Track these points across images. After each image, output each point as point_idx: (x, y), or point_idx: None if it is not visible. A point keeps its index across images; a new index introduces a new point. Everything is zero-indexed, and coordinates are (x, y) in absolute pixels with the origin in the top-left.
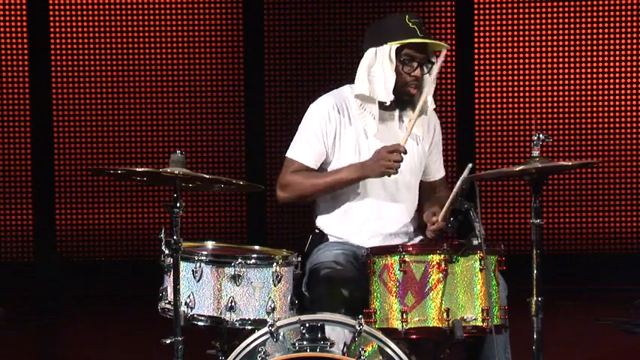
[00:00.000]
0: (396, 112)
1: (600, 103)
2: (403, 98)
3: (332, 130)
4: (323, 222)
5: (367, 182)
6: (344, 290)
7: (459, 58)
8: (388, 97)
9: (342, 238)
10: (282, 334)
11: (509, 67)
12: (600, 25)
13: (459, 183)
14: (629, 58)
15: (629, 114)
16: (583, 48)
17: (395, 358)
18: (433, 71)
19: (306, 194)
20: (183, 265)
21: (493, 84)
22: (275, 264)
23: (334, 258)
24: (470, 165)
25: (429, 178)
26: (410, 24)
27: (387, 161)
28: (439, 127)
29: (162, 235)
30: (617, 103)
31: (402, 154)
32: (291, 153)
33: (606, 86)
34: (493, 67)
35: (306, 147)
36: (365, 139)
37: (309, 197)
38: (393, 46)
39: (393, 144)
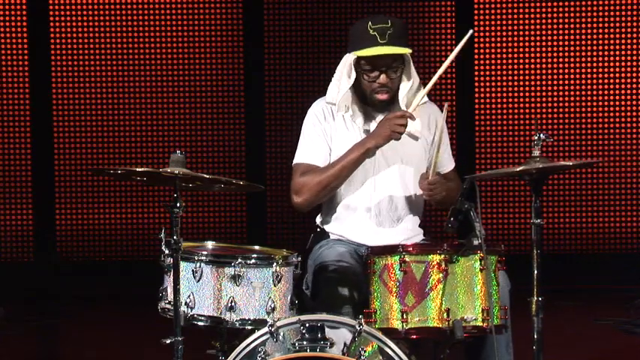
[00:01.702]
0: (383, 114)
1: (600, 103)
2: (375, 104)
3: (329, 128)
4: (324, 220)
5: (368, 179)
6: (352, 291)
7: (459, 58)
8: (338, 104)
9: (343, 235)
10: (282, 334)
11: (509, 67)
12: (600, 25)
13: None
14: (629, 58)
15: (629, 114)
16: (583, 48)
17: (395, 358)
18: (412, 75)
19: (322, 188)
20: (183, 265)
21: (493, 84)
22: (275, 264)
23: (340, 257)
24: (470, 31)
25: (440, 172)
26: (371, 31)
27: (394, 124)
28: (441, 119)
29: (162, 235)
30: (617, 103)
31: (407, 120)
32: (298, 158)
33: (606, 86)
34: (493, 67)
35: (311, 148)
36: (361, 136)
37: (326, 191)
38: (352, 56)
39: (400, 111)
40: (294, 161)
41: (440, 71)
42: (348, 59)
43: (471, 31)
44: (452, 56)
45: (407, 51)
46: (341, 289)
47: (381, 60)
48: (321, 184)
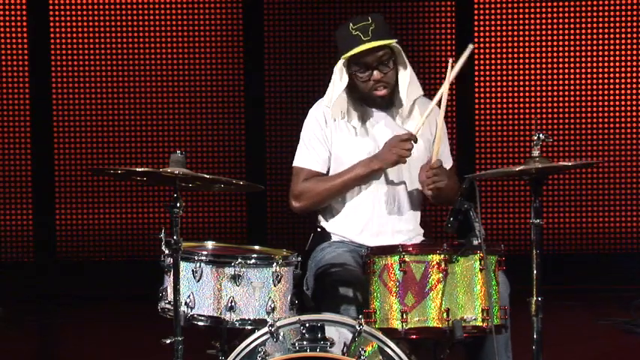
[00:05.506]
0: (383, 113)
1: (600, 103)
2: (377, 102)
3: (329, 132)
4: (325, 220)
5: (371, 181)
6: (354, 295)
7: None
8: (332, 111)
9: (345, 236)
10: (282, 334)
11: (509, 67)
12: (600, 25)
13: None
14: (629, 58)
15: (629, 114)
16: (583, 48)
17: (395, 358)
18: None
19: (321, 199)
20: (183, 265)
21: (493, 84)
22: (275, 264)
23: (342, 261)
24: (471, 46)
25: None
26: (353, 31)
27: (400, 149)
28: (441, 117)
29: (162, 235)
30: (617, 103)
31: (412, 143)
32: (298, 161)
33: (606, 86)
34: (493, 67)
35: (311, 153)
36: (360, 138)
37: (324, 201)
38: (341, 60)
39: (406, 132)
40: (295, 164)
41: (441, 91)
42: (339, 65)
43: (470, 46)
44: (453, 73)
45: (392, 41)
46: (342, 296)
47: (369, 57)
48: (321, 195)
